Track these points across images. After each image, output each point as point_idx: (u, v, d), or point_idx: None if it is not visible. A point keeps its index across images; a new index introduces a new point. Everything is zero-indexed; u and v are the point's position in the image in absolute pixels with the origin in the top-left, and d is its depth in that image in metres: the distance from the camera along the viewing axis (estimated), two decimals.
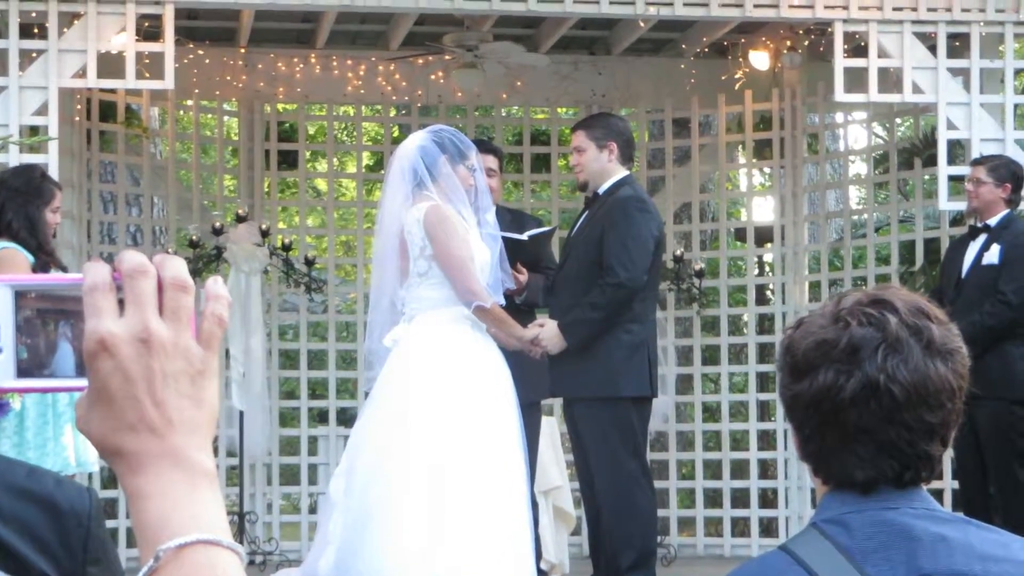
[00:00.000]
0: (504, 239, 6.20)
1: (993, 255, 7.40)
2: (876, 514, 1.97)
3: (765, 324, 11.61)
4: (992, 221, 7.50)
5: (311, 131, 13.80)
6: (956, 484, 8.11)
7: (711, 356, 11.28)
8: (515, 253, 6.43)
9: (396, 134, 12.04)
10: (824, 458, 2.02)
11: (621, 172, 6.85)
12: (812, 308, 2.12)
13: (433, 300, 5.93)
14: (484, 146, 6.77)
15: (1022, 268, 7.32)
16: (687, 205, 11.21)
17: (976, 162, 7.74)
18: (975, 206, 7.57)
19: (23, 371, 1.17)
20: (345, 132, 16.00)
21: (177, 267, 1.17)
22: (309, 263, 10.14)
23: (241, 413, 9.52)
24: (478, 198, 6.07)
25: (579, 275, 6.68)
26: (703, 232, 11.12)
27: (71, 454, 6.28)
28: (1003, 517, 7.01)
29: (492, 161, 7.01)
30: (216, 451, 9.99)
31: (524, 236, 6.90)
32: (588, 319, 6.55)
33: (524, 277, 6.84)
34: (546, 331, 6.50)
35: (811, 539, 1.97)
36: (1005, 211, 7.52)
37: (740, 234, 11.89)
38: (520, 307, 6.77)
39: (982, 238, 7.49)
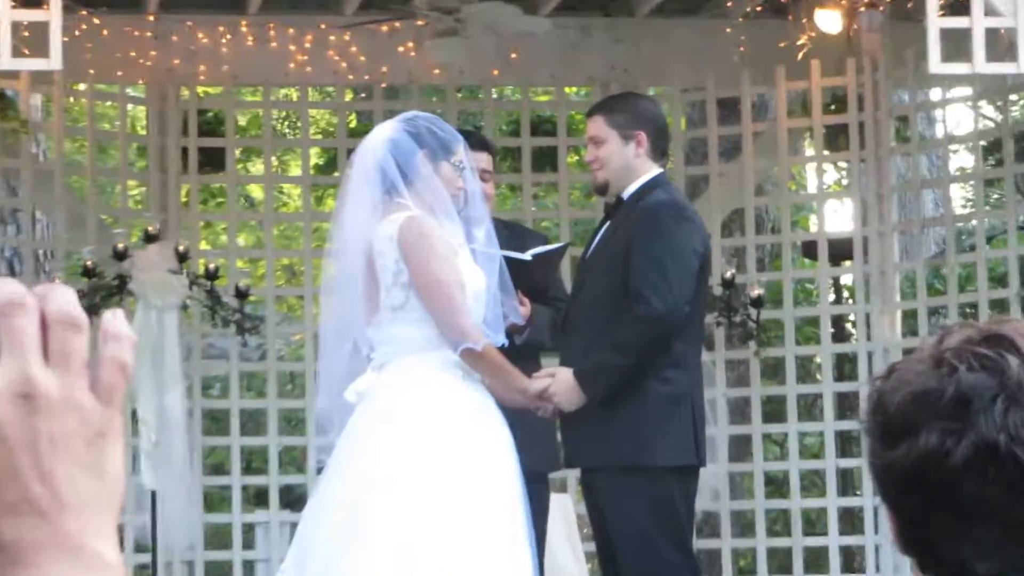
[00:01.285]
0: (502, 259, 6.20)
1: None
2: None
3: (845, 368, 11.61)
4: None
5: (242, 122, 13.84)
6: None
7: (774, 411, 11.28)
8: (515, 278, 6.43)
9: (353, 124, 12.08)
10: (932, 547, 2.01)
11: (652, 171, 6.87)
12: (908, 346, 2.11)
13: (411, 341, 5.93)
14: (472, 140, 6.77)
15: None
16: (738, 213, 11.24)
17: None
18: None
19: None
20: (287, 123, 16.04)
21: (64, 299, 1.17)
22: (241, 295, 10.15)
23: (154, 494, 9.50)
24: (469, 205, 6.06)
25: (599, 306, 6.68)
26: (760, 248, 11.14)
27: None
28: None
29: (484, 160, 6.99)
30: (121, 544, 9.97)
31: (527, 255, 6.90)
32: (613, 365, 6.55)
33: (527, 309, 6.83)
34: (558, 382, 6.50)
35: None
36: None
37: (809, 249, 11.90)
38: (520, 349, 6.76)
39: None
